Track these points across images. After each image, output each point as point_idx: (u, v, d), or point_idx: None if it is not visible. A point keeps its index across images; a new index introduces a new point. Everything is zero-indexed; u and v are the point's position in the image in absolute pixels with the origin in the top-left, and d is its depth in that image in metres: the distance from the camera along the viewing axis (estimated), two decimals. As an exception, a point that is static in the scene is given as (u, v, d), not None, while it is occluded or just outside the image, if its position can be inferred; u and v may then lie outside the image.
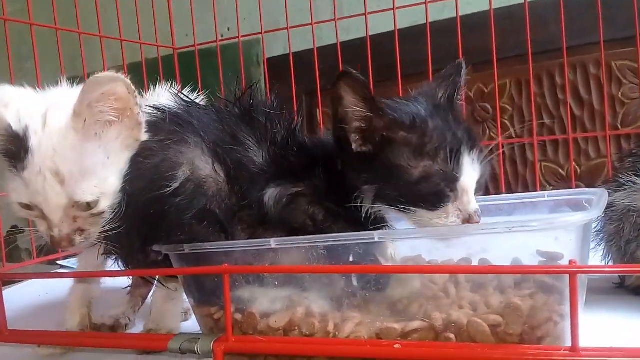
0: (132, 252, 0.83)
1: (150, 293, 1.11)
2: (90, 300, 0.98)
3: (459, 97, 0.87)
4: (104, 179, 0.79)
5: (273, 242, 0.73)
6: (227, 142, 0.81)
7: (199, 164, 0.79)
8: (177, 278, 0.90)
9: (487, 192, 1.78)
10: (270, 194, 0.80)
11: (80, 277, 0.93)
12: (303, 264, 0.75)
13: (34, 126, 0.79)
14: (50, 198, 0.77)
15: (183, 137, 0.80)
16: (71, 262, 1.58)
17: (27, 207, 0.80)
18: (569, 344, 0.63)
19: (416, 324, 0.70)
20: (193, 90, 1.03)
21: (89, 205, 0.79)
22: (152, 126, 0.84)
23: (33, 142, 0.77)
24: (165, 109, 0.85)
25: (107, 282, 1.03)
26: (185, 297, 1.04)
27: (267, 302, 0.77)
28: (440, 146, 0.76)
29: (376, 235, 0.70)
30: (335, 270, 0.75)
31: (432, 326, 0.69)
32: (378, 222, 0.82)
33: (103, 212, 0.80)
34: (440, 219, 0.76)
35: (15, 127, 0.79)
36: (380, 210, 0.80)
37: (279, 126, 0.84)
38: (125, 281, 1.12)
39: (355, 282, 0.77)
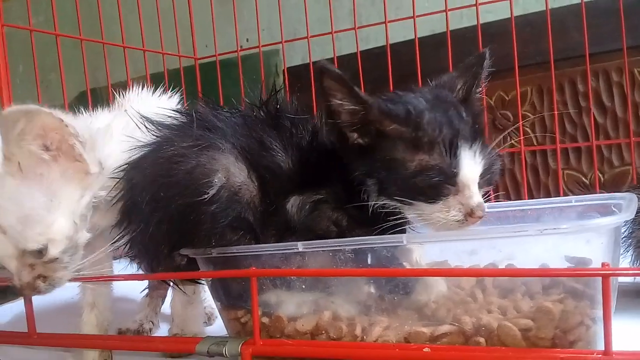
0: (159, 258, 0.83)
1: (169, 294, 1.12)
2: (104, 302, 0.96)
3: (478, 89, 0.85)
4: (48, 225, 0.75)
5: (300, 246, 0.74)
6: (256, 147, 0.81)
7: (233, 171, 0.78)
8: (195, 282, 0.91)
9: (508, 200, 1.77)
10: (293, 201, 0.80)
11: (109, 280, 0.94)
12: (330, 267, 0.75)
13: None
14: None
15: (214, 142, 0.80)
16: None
17: None
18: (600, 348, 0.62)
19: (445, 328, 0.69)
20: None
21: (40, 253, 0.76)
22: (179, 130, 0.84)
23: None
24: (193, 113, 0.85)
25: (119, 290, 1.03)
26: (205, 300, 1.05)
27: (293, 305, 0.77)
28: (436, 140, 0.74)
29: (404, 238, 0.70)
30: (362, 274, 0.75)
31: (461, 330, 0.69)
32: (394, 220, 0.79)
33: (57, 259, 0.77)
34: (441, 212, 0.75)
35: None
36: (385, 205, 0.78)
37: (303, 131, 0.84)
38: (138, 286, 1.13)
39: (372, 289, 0.77)
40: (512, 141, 1.91)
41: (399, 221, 0.78)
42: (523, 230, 0.66)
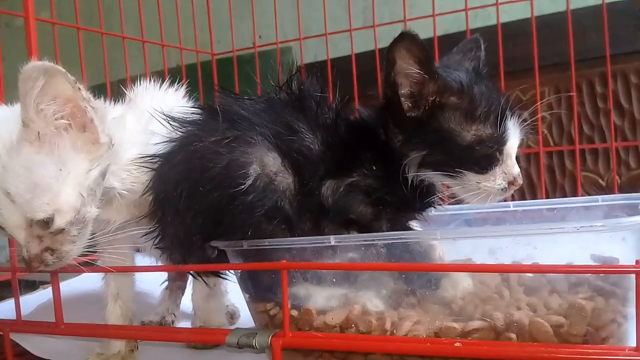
0: (192, 249, 0.84)
1: (188, 283, 1.13)
2: (128, 294, 0.97)
3: (484, 70, 0.89)
4: (56, 194, 0.75)
5: (333, 239, 0.74)
6: (285, 132, 0.82)
7: (267, 161, 0.79)
8: (218, 275, 0.92)
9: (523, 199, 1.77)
10: (329, 184, 0.81)
11: (135, 271, 0.95)
12: (362, 261, 0.75)
13: None
14: (7, 218, 0.75)
15: (243, 134, 0.80)
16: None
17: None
18: (632, 344, 0.62)
19: (476, 324, 0.70)
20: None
21: (46, 223, 0.75)
22: (204, 125, 0.85)
23: None
24: (216, 106, 0.85)
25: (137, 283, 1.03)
26: (227, 299, 1.06)
27: (323, 299, 0.78)
28: (490, 110, 0.79)
29: (439, 234, 0.71)
30: (394, 268, 0.75)
31: (492, 326, 0.69)
32: (425, 197, 0.84)
33: (63, 230, 0.77)
34: (488, 181, 0.79)
35: None
36: (425, 178, 0.82)
37: (328, 111, 0.85)
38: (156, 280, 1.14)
39: (403, 284, 0.77)
40: (530, 142, 1.92)
41: (431, 201, 0.83)
42: (560, 227, 0.67)
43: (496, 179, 0.79)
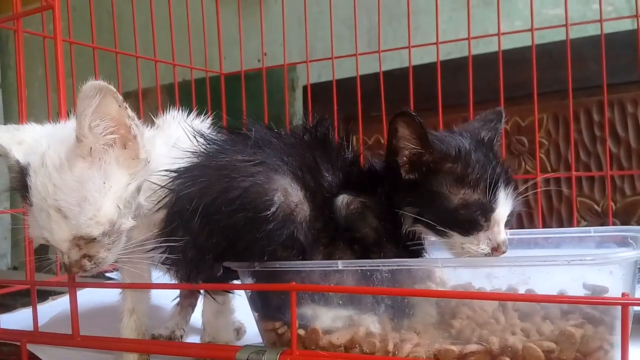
0: (201, 268, 0.86)
1: (199, 302, 1.17)
2: (143, 309, 1.00)
3: (498, 142, 0.96)
4: (98, 208, 0.80)
5: (340, 264, 0.79)
6: (309, 167, 0.86)
7: (290, 191, 0.82)
8: (227, 292, 0.96)
9: (521, 226, 1.81)
10: (342, 198, 0.86)
11: (148, 287, 0.99)
12: (367, 285, 0.80)
13: (34, 164, 0.81)
14: (55, 233, 0.80)
15: (270, 160, 0.83)
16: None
17: (41, 238, 0.83)
18: (617, 371, 0.67)
19: (473, 347, 0.74)
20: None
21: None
22: (231, 144, 0.88)
23: (32, 180, 0.80)
24: (246, 132, 0.89)
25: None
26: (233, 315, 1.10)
27: (329, 319, 0.82)
28: (481, 177, 0.84)
29: (440, 262, 0.76)
30: (399, 293, 0.80)
31: (488, 349, 0.74)
32: (416, 246, 0.89)
33: (97, 240, 0.81)
34: (472, 244, 0.84)
35: (22, 163, 0.83)
36: (418, 231, 0.87)
37: (347, 155, 0.91)
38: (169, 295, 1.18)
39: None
40: (527, 167, 1.97)
41: (422, 247, 0.89)
42: (552, 260, 0.72)
43: (479, 244, 0.83)
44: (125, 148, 0.84)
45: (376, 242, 0.87)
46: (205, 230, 0.81)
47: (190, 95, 1.87)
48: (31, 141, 0.85)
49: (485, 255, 0.83)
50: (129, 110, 0.82)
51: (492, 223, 0.84)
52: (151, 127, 1.04)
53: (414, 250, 0.88)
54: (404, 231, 0.86)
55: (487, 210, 0.83)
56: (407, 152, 0.86)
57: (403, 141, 0.85)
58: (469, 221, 0.82)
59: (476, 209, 0.82)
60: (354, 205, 0.86)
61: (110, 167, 0.82)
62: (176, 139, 0.94)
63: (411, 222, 0.86)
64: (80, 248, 0.82)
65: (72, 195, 0.79)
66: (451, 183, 0.83)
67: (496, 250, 0.83)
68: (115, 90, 0.79)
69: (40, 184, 0.80)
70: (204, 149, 0.88)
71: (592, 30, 1.83)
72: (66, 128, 0.87)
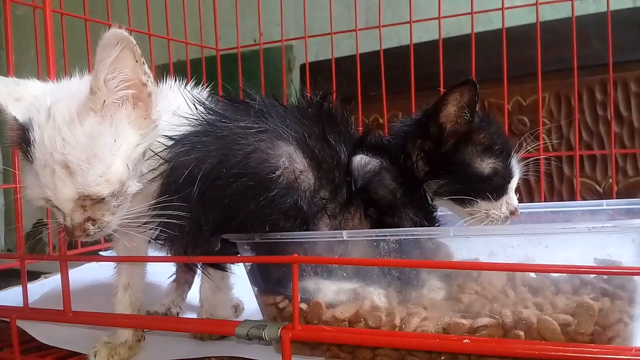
0: (198, 240, 0.81)
1: (195, 279, 1.13)
2: (138, 284, 0.96)
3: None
4: (108, 165, 0.77)
5: (345, 234, 0.75)
6: (315, 138, 0.83)
7: (295, 158, 0.79)
8: (224, 269, 0.93)
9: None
10: (360, 158, 0.86)
11: (143, 261, 0.95)
12: (373, 256, 0.76)
13: (38, 119, 0.77)
14: (59, 191, 0.76)
15: (273, 127, 0.80)
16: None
17: (42, 198, 0.79)
18: (637, 344, 0.64)
19: (485, 320, 0.71)
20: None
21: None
22: (233, 112, 0.84)
23: (36, 135, 0.76)
24: (249, 101, 0.86)
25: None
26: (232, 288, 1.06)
27: (332, 293, 0.79)
28: (504, 147, 0.90)
29: (452, 231, 0.72)
30: (404, 264, 0.76)
31: (500, 323, 0.71)
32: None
33: (105, 200, 0.78)
34: (496, 209, 0.89)
35: (21, 120, 0.79)
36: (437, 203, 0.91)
37: (354, 130, 0.91)
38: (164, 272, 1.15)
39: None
40: (529, 147, 1.94)
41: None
42: (573, 227, 0.68)
43: (501, 208, 0.89)
44: (135, 108, 0.81)
45: (392, 205, 0.86)
46: (203, 201, 0.77)
47: (185, 75, 1.81)
48: (31, 98, 0.82)
49: (505, 218, 0.89)
50: (146, 67, 0.79)
51: (508, 189, 0.90)
52: None
53: (430, 217, 0.89)
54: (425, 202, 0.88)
55: (509, 176, 0.89)
56: (456, 121, 0.88)
57: (459, 110, 0.86)
58: (497, 187, 0.88)
59: (503, 177, 0.89)
60: (372, 165, 0.86)
61: (122, 125, 0.79)
62: (177, 106, 0.90)
63: (432, 193, 0.89)
64: (85, 210, 0.78)
65: (81, 151, 0.75)
66: (481, 153, 0.88)
67: (513, 213, 0.89)
68: (135, 42, 0.75)
69: (47, 138, 0.76)
70: (204, 118, 0.84)
71: (593, 8, 1.80)
72: (72, 84, 0.84)
